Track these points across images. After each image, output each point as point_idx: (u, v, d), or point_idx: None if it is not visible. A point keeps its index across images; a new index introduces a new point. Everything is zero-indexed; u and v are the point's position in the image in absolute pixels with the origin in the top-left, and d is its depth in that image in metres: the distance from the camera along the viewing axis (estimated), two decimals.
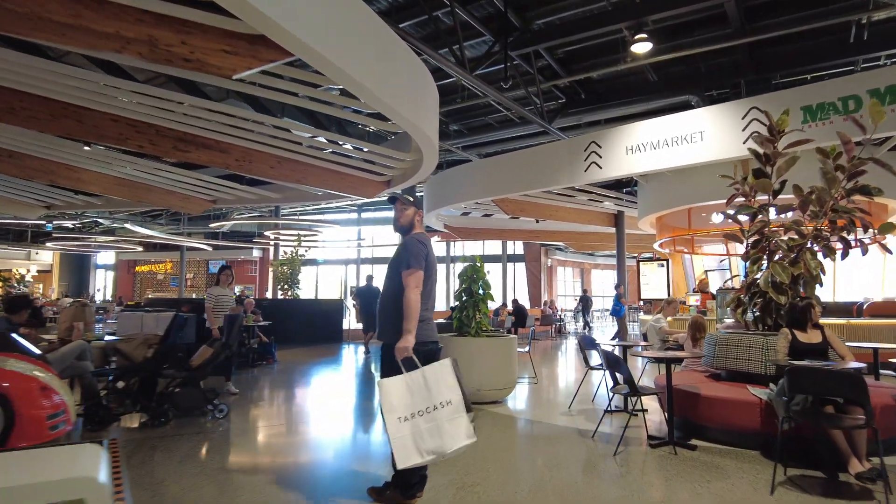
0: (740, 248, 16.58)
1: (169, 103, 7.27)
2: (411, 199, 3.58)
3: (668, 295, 12.70)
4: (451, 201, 13.57)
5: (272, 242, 22.90)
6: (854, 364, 4.05)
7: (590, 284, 29.44)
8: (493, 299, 6.59)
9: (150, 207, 16.11)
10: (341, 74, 5.17)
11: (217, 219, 23.91)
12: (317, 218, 24.12)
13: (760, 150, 5.16)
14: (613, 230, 16.15)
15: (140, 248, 29.49)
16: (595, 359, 6.50)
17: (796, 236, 5.01)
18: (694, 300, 12.04)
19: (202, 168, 12.74)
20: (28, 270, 32.68)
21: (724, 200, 11.09)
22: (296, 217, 22.35)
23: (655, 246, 15.65)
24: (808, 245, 4.99)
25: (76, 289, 33.62)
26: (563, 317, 18.68)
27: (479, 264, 6.60)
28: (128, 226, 20.54)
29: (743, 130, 8.96)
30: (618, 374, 4.66)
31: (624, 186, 14.81)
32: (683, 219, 12.41)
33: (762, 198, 5.33)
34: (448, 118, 14.29)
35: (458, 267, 6.90)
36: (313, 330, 15.49)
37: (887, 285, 16.82)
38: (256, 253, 30.08)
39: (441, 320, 7.54)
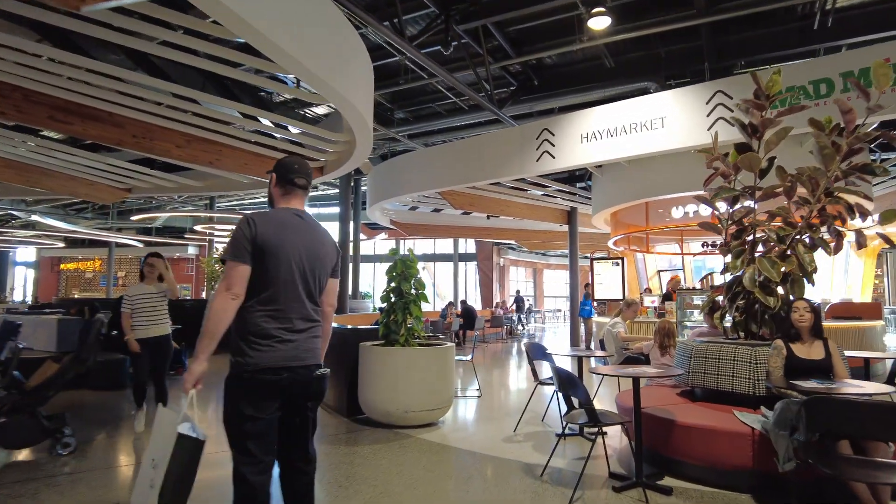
0: (694, 247, 16.10)
1: (37, 61, 5.92)
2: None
3: (624, 296, 11.94)
4: (394, 193, 12.47)
5: (207, 239, 21.32)
6: (872, 387, 3.18)
7: (542, 284, 28.82)
8: (427, 300, 5.54)
9: (55, 196, 14.33)
10: (238, 22, 4.05)
11: (147, 211, 22.04)
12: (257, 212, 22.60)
13: (745, 120, 4.26)
14: (566, 228, 15.39)
15: (62, 245, 27.14)
16: (546, 370, 5.54)
17: (786, 225, 4.14)
18: (650, 301, 11.33)
19: (114, 151, 11.24)
20: None
21: (685, 193, 10.52)
22: (232, 210, 20.74)
23: (610, 244, 14.96)
24: (799, 236, 4.12)
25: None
26: (514, 318, 17.84)
27: (411, 259, 5.53)
28: (36, 217, 18.48)
29: (707, 116, 8.21)
30: (573, 398, 3.66)
31: (577, 181, 14.04)
32: (640, 215, 11.67)
33: (740, 183, 4.45)
34: (393, 104, 13.18)
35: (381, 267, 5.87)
36: None
37: (839, 286, 16.66)
38: (192, 250, 28.16)
39: (367, 326, 6.43)
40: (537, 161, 9.95)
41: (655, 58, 10.85)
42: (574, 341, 14.10)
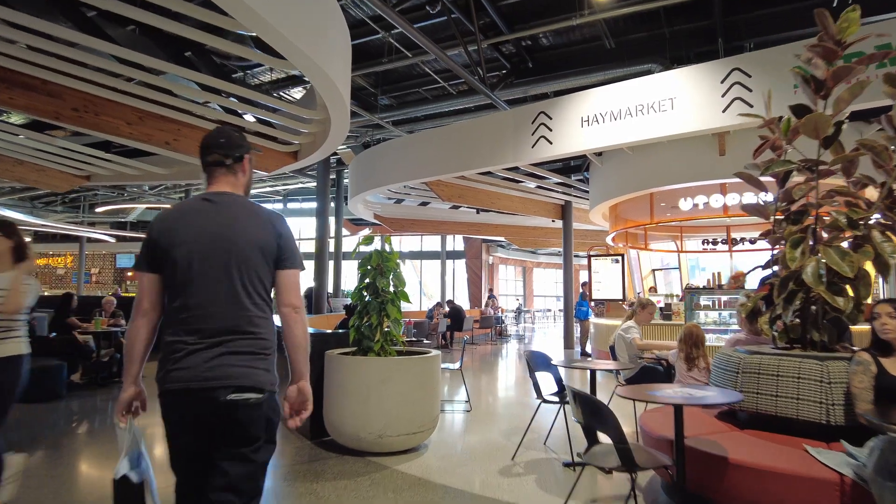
0: (693, 245, 15.32)
1: None
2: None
3: (626, 296, 11.10)
4: (377, 184, 11.53)
5: None
6: None
7: (531, 284, 28.00)
8: (407, 299, 4.63)
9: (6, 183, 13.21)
10: None
11: (118, 203, 20.88)
12: None
13: (810, 72, 3.39)
14: (559, 224, 14.57)
15: (28, 239, 25.76)
16: (548, 382, 4.64)
17: (856, 208, 3.27)
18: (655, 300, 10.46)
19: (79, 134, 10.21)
20: None
21: (694, 183, 9.66)
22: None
23: (608, 240, 14.15)
24: (874, 219, 3.26)
25: None
26: (504, 318, 16.98)
27: (388, 248, 4.61)
28: None
29: (722, 96, 7.39)
30: (598, 430, 2.77)
31: (573, 172, 13.19)
32: (641, 208, 10.84)
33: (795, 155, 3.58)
34: (376, 88, 12.25)
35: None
36: None
37: None
38: None
39: (335, 330, 5.50)
40: (533, 147, 9.09)
41: (659, 38, 10.00)
42: (568, 343, 13.27)
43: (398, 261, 4.64)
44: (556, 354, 13.02)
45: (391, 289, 4.55)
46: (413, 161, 10.64)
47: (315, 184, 18.13)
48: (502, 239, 20.84)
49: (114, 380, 7.89)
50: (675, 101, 7.73)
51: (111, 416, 6.48)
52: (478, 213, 15.10)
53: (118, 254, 29.23)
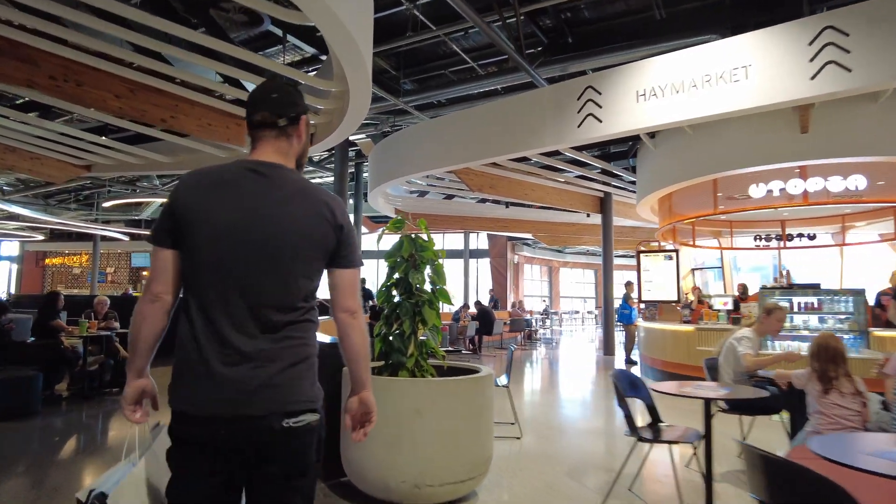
0: (740, 241, 14.00)
1: None
2: None
3: (682, 297, 9.87)
4: (400, 174, 10.49)
5: None
6: None
7: (558, 284, 26.77)
8: (449, 301, 3.56)
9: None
10: None
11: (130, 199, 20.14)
12: None
13: None
14: (593, 219, 13.44)
15: (41, 238, 25.35)
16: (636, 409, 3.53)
17: None
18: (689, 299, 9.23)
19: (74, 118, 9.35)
20: None
21: (767, 167, 8.35)
22: None
23: (656, 235, 12.96)
24: None
25: None
26: (533, 321, 15.85)
27: (423, 235, 3.55)
28: (14, 208, 16.65)
29: (811, 61, 6.21)
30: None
31: (612, 160, 12.00)
32: (698, 198, 9.63)
33: None
34: (398, 71, 11.21)
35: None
36: None
37: None
38: None
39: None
40: (579, 127, 7.98)
41: (718, 5, 8.83)
42: (608, 349, 12.10)
43: (436, 250, 3.57)
44: (593, 360, 11.87)
45: (427, 286, 3.48)
46: (440, 147, 9.59)
47: (332, 178, 17.21)
48: (529, 237, 19.70)
49: (104, 391, 6.94)
50: (751, 70, 6.58)
51: (100, 434, 5.52)
52: (507, 207, 14.00)
53: (133, 253, 28.61)
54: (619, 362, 11.41)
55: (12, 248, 29.97)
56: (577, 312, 25.62)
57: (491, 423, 3.37)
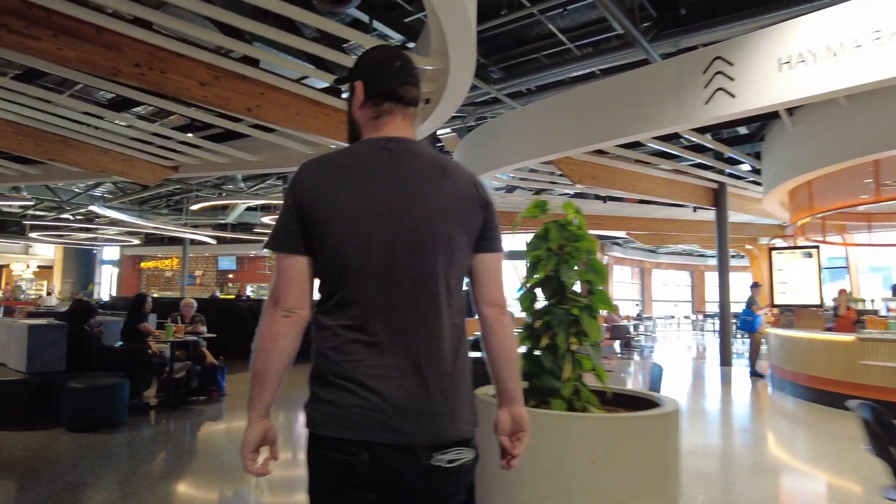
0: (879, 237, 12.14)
1: None
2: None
3: (820, 300, 8.48)
4: (492, 166, 9.68)
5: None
6: None
7: (650, 287, 25.09)
8: (610, 307, 2.69)
9: (102, 178, 12.64)
10: None
11: (189, 203, 20.54)
12: None
13: None
14: (699, 215, 12.09)
15: (137, 242, 26.52)
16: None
17: None
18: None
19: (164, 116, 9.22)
20: (27, 266, 30.23)
21: None
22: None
23: (760, 233, 11.49)
24: None
25: (82, 286, 30.88)
26: (631, 326, 14.60)
27: (573, 217, 2.71)
28: (114, 213, 17.27)
29: None
30: None
31: (732, 144, 10.66)
32: (844, 186, 8.24)
33: None
34: (486, 57, 10.42)
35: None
36: (311, 341, 11.49)
37: None
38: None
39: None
40: (707, 104, 6.90)
41: None
42: (725, 360, 10.77)
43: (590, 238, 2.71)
44: (717, 373, 10.58)
45: (576, 286, 2.64)
46: (536, 135, 8.72)
47: None
48: (622, 235, 18.38)
49: (190, 398, 6.55)
50: None
51: (189, 449, 5.04)
52: (604, 202, 12.89)
53: (219, 256, 29.45)
54: (740, 374, 10.08)
55: (113, 253, 31.65)
56: (672, 317, 23.84)
57: (679, 474, 2.47)
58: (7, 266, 29.56)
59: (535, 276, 2.70)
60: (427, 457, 1.25)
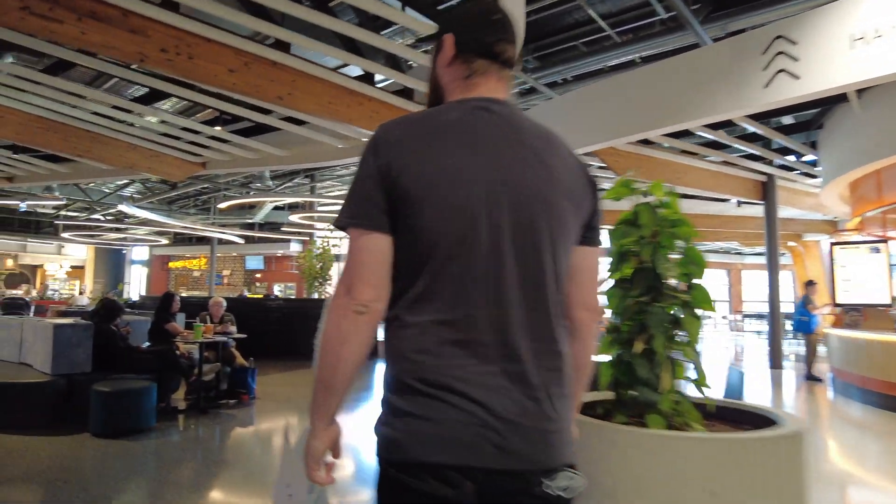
0: None
1: None
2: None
3: (890, 298, 7.89)
4: None
5: (312, 231, 19.40)
6: None
7: (740, 290, 24.42)
8: (710, 305, 2.27)
9: (132, 175, 12.56)
10: None
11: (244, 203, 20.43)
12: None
13: None
14: (738, 210, 11.48)
15: (165, 242, 26.69)
16: None
17: None
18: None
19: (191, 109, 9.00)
20: (60, 266, 30.74)
21: None
22: (328, 194, 18.38)
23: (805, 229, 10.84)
24: None
25: (113, 286, 31.27)
26: None
27: (662, 195, 2.30)
28: (124, 207, 17.27)
29: None
30: None
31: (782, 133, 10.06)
32: None
33: None
34: (523, 46, 9.98)
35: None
36: None
37: None
38: (296, 246, 26.54)
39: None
40: (767, 87, 6.38)
41: None
42: (775, 363, 10.17)
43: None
44: (767, 377, 9.99)
45: (683, 280, 2.22)
46: (578, 125, 8.27)
47: None
48: None
49: (219, 402, 6.27)
50: None
51: (220, 456, 4.73)
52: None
53: (247, 255, 29.48)
54: (793, 377, 9.49)
55: (142, 253, 31.99)
56: (709, 317, 23.07)
57: None
58: (41, 266, 30.06)
59: (620, 266, 2.29)
60: (538, 483, 1.04)
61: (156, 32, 5.02)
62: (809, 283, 9.39)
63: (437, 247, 1.06)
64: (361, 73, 6.66)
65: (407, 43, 7.00)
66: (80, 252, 30.73)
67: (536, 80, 9.73)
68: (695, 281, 2.28)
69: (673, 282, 2.28)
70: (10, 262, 27.65)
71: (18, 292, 22.91)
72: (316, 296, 14.22)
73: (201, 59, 5.31)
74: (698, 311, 2.22)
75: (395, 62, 6.43)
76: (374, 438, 1.07)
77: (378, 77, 6.90)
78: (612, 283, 2.31)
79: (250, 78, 5.62)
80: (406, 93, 6.85)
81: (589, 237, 1.24)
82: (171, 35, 5.12)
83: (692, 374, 2.25)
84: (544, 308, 1.12)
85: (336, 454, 1.17)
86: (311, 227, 18.90)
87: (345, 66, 6.92)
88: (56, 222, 22.90)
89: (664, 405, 2.10)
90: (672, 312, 2.18)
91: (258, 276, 29.48)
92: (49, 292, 26.93)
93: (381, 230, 1.07)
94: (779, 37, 6.36)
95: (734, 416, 2.39)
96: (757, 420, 2.25)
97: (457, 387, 1.02)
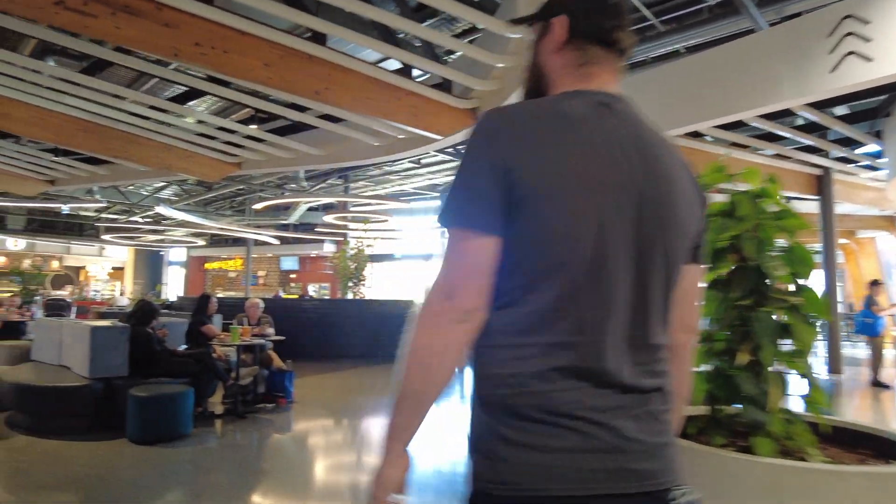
0: None
1: None
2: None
3: None
4: None
5: (346, 231, 19.32)
6: None
7: None
8: (829, 315, 1.95)
9: (168, 177, 12.60)
10: None
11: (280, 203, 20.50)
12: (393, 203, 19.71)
13: None
14: (786, 205, 10.88)
15: (202, 243, 27.03)
16: None
17: None
18: None
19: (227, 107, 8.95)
20: (102, 268, 31.47)
21: None
22: (362, 195, 18.24)
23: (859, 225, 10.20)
24: None
25: (151, 287, 31.91)
26: None
27: (758, 184, 1.99)
28: (161, 209, 17.49)
29: None
30: None
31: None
32: None
33: None
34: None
35: None
36: (378, 343, 10.96)
37: None
38: (330, 246, 26.57)
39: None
40: (833, 71, 5.94)
41: None
42: (834, 367, 9.59)
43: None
44: (826, 383, 9.44)
45: (781, 279, 1.91)
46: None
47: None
48: None
49: (257, 406, 6.11)
50: None
51: (259, 465, 4.55)
52: None
53: (282, 256, 29.68)
54: (856, 384, 8.93)
55: (180, 254, 32.52)
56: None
57: None
58: (84, 268, 30.81)
59: (720, 264, 1.98)
60: (665, 499, 0.99)
61: (189, 26, 4.87)
62: (874, 283, 8.80)
63: (560, 259, 0.96)
64: (399, 66, 6.43)
65: (454, 34, 6.77)
66: (120, 254, 31.39)
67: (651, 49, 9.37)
68: (801, 282, 1.96)
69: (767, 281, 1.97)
70: (55, 264, 28.40)
71: (64, 293, 23.50)
72: (350, 296, 14.10)
73: (235, 52, 5.15)
74: (811, 318, 1.90)
75: (433, 54, 6.19)
76: (475, 470, 0.97)
77: (416, 72, 6.67)
78: (705, 284, 2.01)
79: (285, 72, 5.44)
80: (444, 86, 6.60)
81: (696, 255, 1.15)
82: (205, 28, 4.97)
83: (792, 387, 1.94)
84: (662, 325, 1.05)
85: (401, 489, 1.02)
86: (344, 227, 18.77)
87: (383, 59, 6.71)
88: (97, 224, 23.36)
89: (774, 427, 1.78)
90: (782, 318, 1.86)
91: (293, 276, 29.65)
92: (91, 293, 27.55)
93: (493, 233, 0.97)
94: (848, 16, 5.90)
95: (845, 438, 2.05)
96: (880, 444, 1.91)
97: (578, 413, 0.94)
